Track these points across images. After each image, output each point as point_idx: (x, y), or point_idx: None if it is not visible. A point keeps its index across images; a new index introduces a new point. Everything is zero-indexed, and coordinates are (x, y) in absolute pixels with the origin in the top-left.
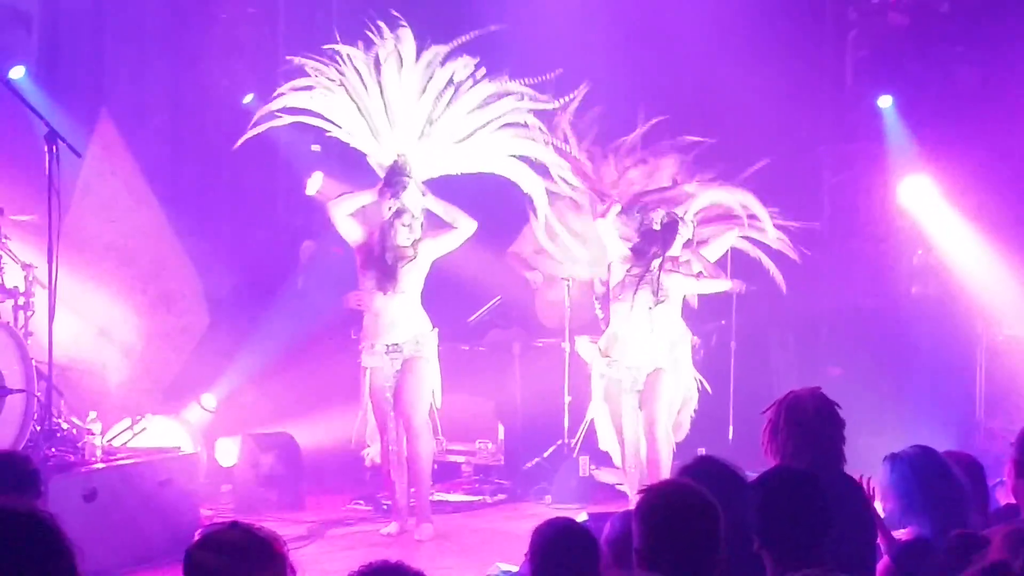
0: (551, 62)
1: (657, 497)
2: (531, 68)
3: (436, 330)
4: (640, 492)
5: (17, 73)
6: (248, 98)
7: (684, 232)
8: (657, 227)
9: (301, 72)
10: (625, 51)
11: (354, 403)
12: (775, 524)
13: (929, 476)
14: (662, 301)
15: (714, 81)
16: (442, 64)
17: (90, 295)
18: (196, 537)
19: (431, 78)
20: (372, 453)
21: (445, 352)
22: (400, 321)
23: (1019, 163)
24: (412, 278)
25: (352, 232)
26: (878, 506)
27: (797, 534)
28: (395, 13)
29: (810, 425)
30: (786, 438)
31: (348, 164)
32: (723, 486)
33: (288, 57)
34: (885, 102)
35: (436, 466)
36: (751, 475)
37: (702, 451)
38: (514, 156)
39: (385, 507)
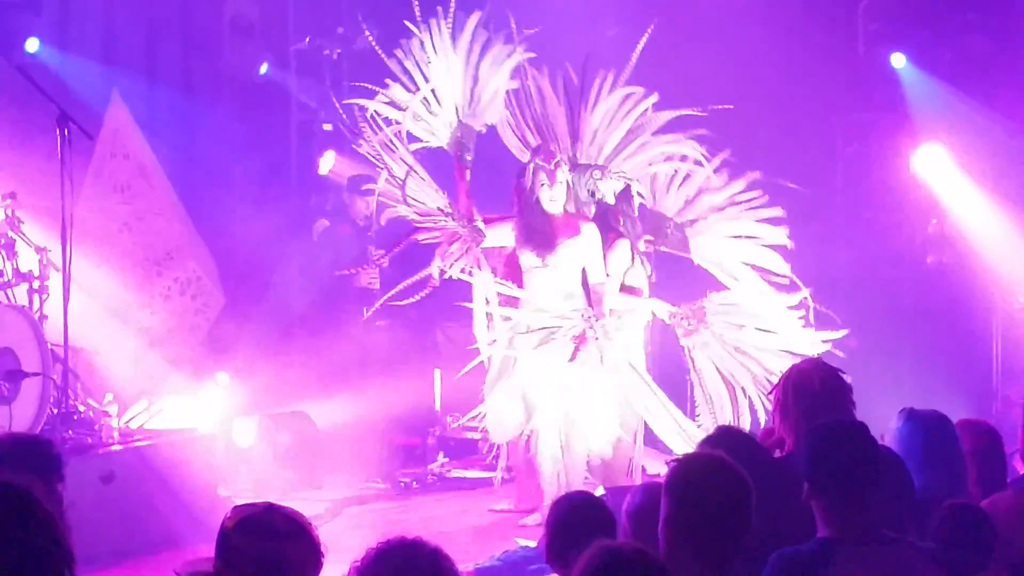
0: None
1: (689, 469)
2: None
3: None
4: (672, 462)
5: (32, 46)
6: (263, 68)
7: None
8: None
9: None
10: (634, 24)
11: (369, 379)
12: (826, 472)
13: (937, 438)
14: None
15: (726, 53)
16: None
17: (104, 277)
18: (229, 517)
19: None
20: None
21: (461, 329)
22: None
23: None
24: None
25: None
26: None
27: (848, 482)
28: None
29: (819, 399)
30: (797, 416)
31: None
32: (742, 456)
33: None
34: (899, 61)
35: (452, 443)
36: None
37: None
38: None
39: (403, 484)
